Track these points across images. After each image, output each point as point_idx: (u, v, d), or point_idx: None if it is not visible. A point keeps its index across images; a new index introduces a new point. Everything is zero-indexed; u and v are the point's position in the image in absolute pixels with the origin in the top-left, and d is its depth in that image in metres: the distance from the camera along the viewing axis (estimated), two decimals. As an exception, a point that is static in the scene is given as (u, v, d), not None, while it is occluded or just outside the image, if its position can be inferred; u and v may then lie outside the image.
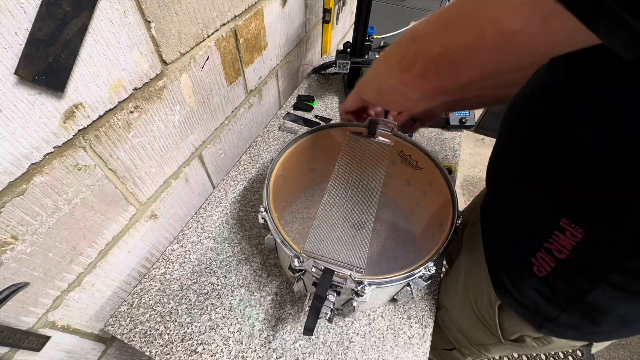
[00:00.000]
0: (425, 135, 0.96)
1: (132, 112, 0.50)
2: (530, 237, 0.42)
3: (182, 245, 0.68)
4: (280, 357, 0.55)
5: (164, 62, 0.53)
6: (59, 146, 0.41)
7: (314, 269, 0.46)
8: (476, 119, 2.17)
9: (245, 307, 0.60)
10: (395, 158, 0.67)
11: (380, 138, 0.63)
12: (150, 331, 0.56)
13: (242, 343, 0.56)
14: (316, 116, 0.98)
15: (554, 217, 0.37)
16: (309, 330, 0.45)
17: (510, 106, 0.45)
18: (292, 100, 1.03)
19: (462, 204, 1.83)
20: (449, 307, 0.63)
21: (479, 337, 0.58)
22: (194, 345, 0.55)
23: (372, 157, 0.61)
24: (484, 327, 0.55)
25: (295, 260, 0.46)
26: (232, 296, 0.61)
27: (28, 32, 0.34)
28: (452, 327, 0.63)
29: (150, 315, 0.58)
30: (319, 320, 0.47)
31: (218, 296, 0.61)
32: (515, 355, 1.34)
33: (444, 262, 0.95)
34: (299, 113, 0.99)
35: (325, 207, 0.53)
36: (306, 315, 0.46)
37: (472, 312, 0.56)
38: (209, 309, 0.59)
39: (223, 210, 0.75)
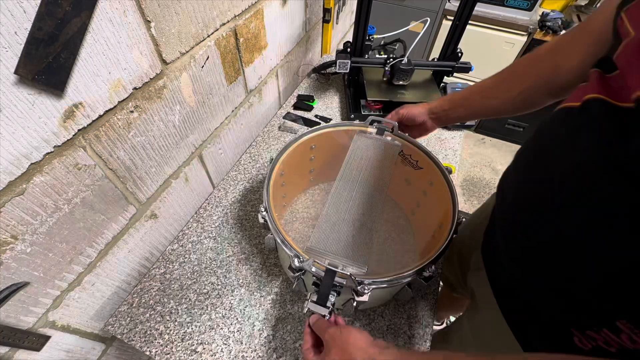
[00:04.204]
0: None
1: (132, 111, 0.50)
2: (568, 318, 0.36)
3: (182, 245, 0.68)
4: (280, 357, 0.55)
5: (163, 62, 0.52)
6: (59, 146, 0.41)
7: (314, 269, 0.46)
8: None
9: (245, 307, 0.60)
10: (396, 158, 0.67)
11: (387, 137, 0.63)
12: (150, 331, 0.56)
13: (242, 343, 0.56)
14: (316, 116, 0.98)
15: (606, 316, 0.31)
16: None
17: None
18: (292, 99, 1.03)
19: (462, 204, 1.83)
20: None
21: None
22: (194, 345, 0.55)
23: (378, 157, 0.61)
24: None
25: (295, 260, 0.46)
26: (232, 296, 0.61)
27: (28, 32, 0.34)
28: None
29: (150, 315, 0.58)
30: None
31: (218, 296, 0.61)
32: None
33: (441, 283, 0.86)
34: (299, 113, 0.99)
35: (330, 206, 0.53)
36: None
37: None
38: (209, 309, 0.59)
39: (223, 210, 0.75)
